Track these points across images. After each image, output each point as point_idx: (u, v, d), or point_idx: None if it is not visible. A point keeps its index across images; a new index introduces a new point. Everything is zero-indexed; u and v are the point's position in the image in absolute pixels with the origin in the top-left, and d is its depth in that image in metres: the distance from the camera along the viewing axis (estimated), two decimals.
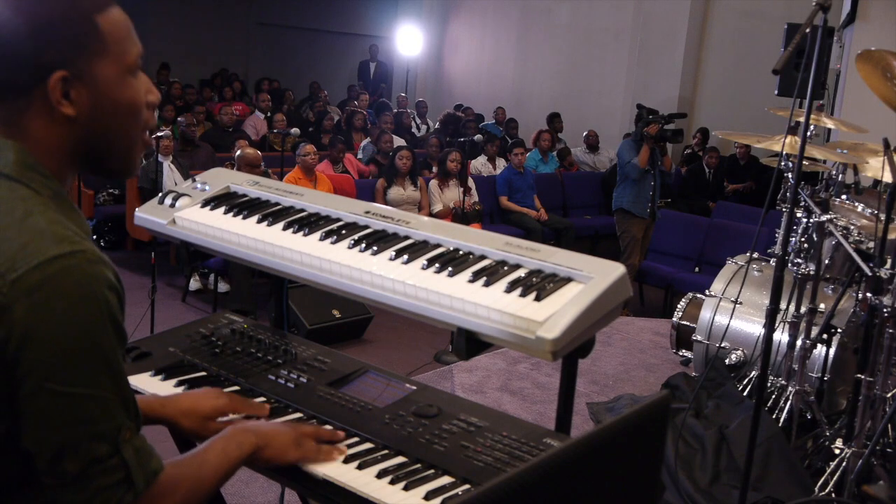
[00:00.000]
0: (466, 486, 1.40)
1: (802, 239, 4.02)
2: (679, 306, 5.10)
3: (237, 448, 1.36)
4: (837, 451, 3.47)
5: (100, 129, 1.23)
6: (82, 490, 1.12)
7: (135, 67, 1.26)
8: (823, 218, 3.75)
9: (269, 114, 10.19)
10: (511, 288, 1.46)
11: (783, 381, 4.01)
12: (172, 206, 1.89)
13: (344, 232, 1.71)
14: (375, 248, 1.63)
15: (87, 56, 1.19)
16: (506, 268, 1.53)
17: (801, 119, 2.95)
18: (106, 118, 1.23)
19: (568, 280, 1.47)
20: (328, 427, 1.56)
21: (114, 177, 1.32)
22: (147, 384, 1.71)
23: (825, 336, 3.92)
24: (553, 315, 1.38)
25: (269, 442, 1.41)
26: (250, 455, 1.38)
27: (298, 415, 1.62)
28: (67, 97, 1.19)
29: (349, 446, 1.50)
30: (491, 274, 1.50)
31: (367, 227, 1.73)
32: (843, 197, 4.12)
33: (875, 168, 3.89)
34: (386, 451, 1.49)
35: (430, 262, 1.56)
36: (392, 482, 1.39)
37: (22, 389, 1.10)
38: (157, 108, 1.31)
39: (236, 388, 1.70)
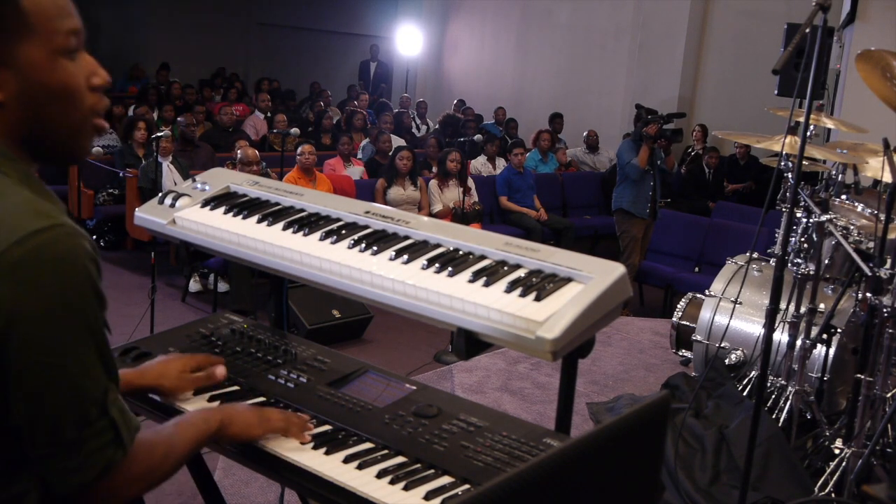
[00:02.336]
0: (466, 486, 1.40)
1: (802, 239, 4.02)
2: (679, 306, 5.10)
3: (204, 422, 1.42)
4: (837, 451, 3.47)
5: (32, 115, 1.18)
6: (77, 454, 1.15)
7: (69, 48, 1.18)
8: (823, 218, 3.75)
9: (268, 114, 10.19)
10: (511, 288, 1.46)
11: (783, 381, 4.01)
12: (172, 206, 1.89)
13: (344, 232, 1.71)
14: (375, 248, 1.63)
15: (9, 39, 1.13)
16: (506, 268, 1.53)
17: (801, 119, 2.95)
18: (37, 103, 1.18)
19: (568, 280, 1.47)
20: (327, 426, 1.56)
21: (61, 163, 1.29)
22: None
23: (825, 336, 3.92)
24: (553, 315, 1.38)
25: (234, 419, 1.47)
26: (217, 431, 1.43)
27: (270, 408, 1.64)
28: None
29: (349, 446, 1.50)
30: (491, 274, 1.50)
31: (367, 227, 1.73)
32: (843, 197, 4.12)
33: (875, 168, 3.89)
34: (386, 451, 1.49)
35: (430, 262, 1.56)
36: (392, 482, 1.39)
37: (13, 365, 1.11)
38: (106, 89, 1.26)
39: (236, 388, 1.70)
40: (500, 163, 9.05)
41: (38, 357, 1.11)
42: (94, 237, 7.59)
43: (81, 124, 1.24)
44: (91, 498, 1.19)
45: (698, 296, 5.00)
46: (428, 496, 1.36)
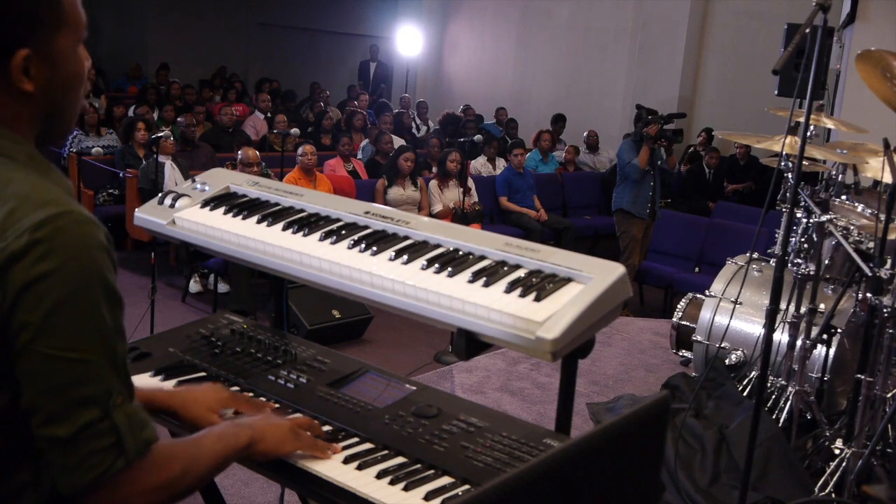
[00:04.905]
0: (466, 487, 1.40)
1: (802, 239, 4.02)
2: (679, 306, 5.10)
3: (233, 438, 1.36)
4: (837, 452, 3.47)
5: (54, 101, 1.23)
6: (73, 454, 1.12)
7: (83, 37, 1.24)
8: (823, 218, 3.75)
9: (268, 114, 10.19)
10: (511, 288, 1.46)
11: (783, 382, 4.01)
12: (172, 206, 1.90)
13: (344, 232, 1.71)
14: (375, 248, 1.63)
15: (49, 30, 1.18)
16: (506, 268, 1.53)
17: (801, 119, 2.95)
18: (60, 90, 1.22)
19: (568, 280, 1.47)
20: (327, 427, 1.56)
21: (52, 143, 1.30)
22: (147, 384, 1.70)
23: (825, 336, 3.92)
24: (553, 315, 1.38)
25: (265, 436, 1.41)
26: (246, 447, 1.37)
27: (297, 415, 1.62)
28: (27, 74, 1.18)
29: (349, 446, 1.50)
30: (491, 274, 1.50)
31: (366, 227, 1.73)
32: (843, 197, 4.12)
33: (875, 168, 3.89)
34: (386, 452, 1.49)
35: (430, 262, 1.56)
36: (392, 482, 1.39)
37: (14, 352, 1.10)
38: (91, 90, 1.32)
39: (236, 388, 1.70)
40: (500, 163, 9.05)
41: (35, 346, 1.09)
42: None
43: (80, 105, 1.29)
44: None
45: (698, 296, 5.00)
46: (428, 496, 1.36)
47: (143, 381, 1.72)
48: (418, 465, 1.45)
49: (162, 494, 1.21)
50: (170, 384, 1.70)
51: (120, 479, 1.15)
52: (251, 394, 1.69)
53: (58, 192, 1.15)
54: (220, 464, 1.33)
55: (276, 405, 1.64)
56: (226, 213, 1.85)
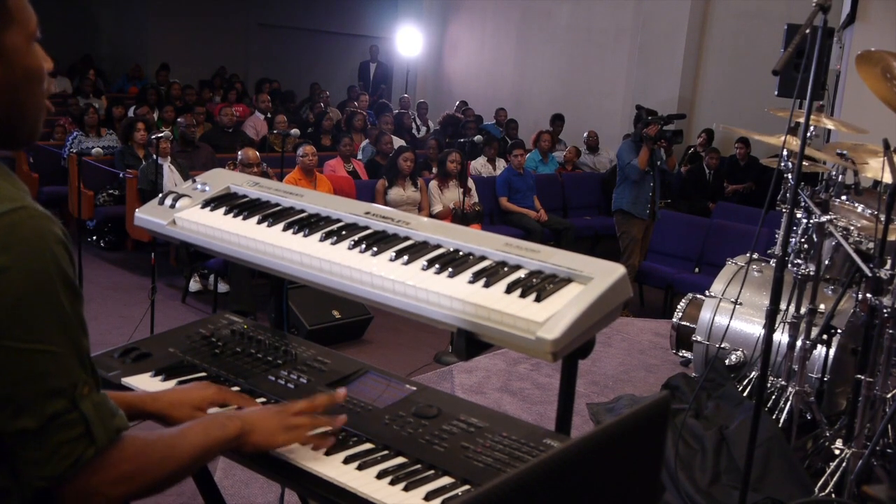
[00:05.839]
0: (466, 487, 1.40)
1: (802, 239, 4.02)
2: (679, 307, 5.10)
3: (220, 429, 1.35)
4: (837, 452, 3.47)
5: (12, 98, 1.22)
6: (42, 446, 1.12)
7: (35, 35, 1.24)
8: (823, 219, 3.75)
9: (268, 114, 10.20)
10: (511, 289, 1.46)
11: (783, 382, 4.01)
12: (172, 206, 1.90)
13: (344, 233, 1.71)
14: (375, 248, 1.63)
15: None
16: (506, 269, 1.53)
17: (801, 119, 2.95)
18: (17, 87, 1.22)
19: (568, 281, 1.47)
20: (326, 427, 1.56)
21: (19, 146, 1.30)
22: (147, 385, 1.71)
23: (825, 337, 3.92)
24: (553, 316, 1.38)
25: (255, 427, 1.40)
26: (235, 438, 1.37)
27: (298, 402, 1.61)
28: None
29: (349, 446, 1.50)
30: (491, 275, 1.50)
31: (367, 227, 1.73)
32: (843, 198, 4.12)
33: (875, 169, 3.89)
34: (386, 452, 1.49)
35: (430, 262, 1.56)
36: (392, 483, 1.39)
37: None
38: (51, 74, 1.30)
39: (236, 388, 1.70)
40: (500, 163, 9.05)
41: (1, 341, 1.09)
42: (94, 237, 7.64)
43: (43, 105, 1.28)
44: (67, 495, 1.15)
45: (698, 296, 5.00)
46: (428, 497, 1.36)
47: (143, 381, 1.72)
48: (418, 466, 1.45)
49: (136, 483, 1.21)
50: (169, 384, 1.70)
51: (91, 468, 1.16)
52: (251, 394, 1.69)
53: (12, 190, 1.15)
54: (203, 454, 1.32)
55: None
56: (226, 213, 1.85)
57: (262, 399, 1.66)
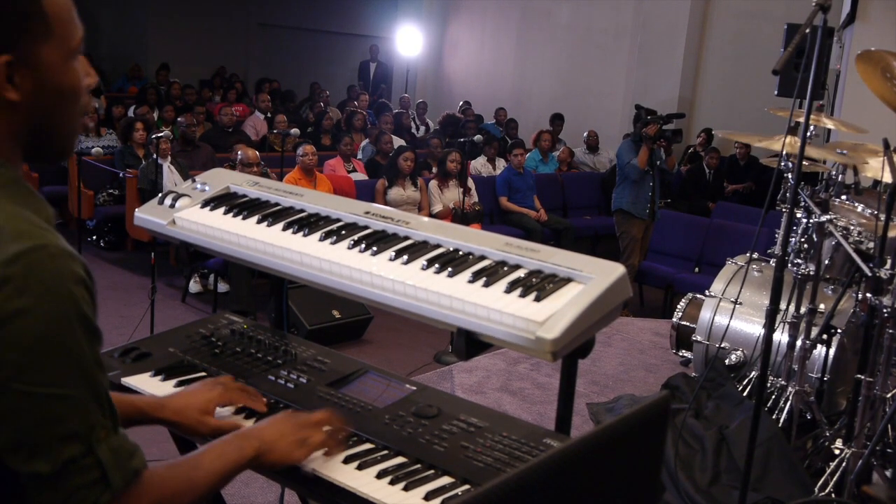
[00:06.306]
0: (466, 487, 1.40)
1: (802, 239, 4.02)
2: (679, 307, 5.10)
3: (237, 451, 1.34)
4: (837, 452, 3.47)
5: (42, 114, 1.19)
6: (57, 491, 1.10)
7: (77, 51, 1.21)
8: (823, 218, 3.75)
9: (268, 114, 10.19)
10: (511, 288, 1.46)
11: (783, 382, 4.01)
12: (172, 206, 1.89)
13: (344, 232, 1.71)
14: (375, 248, 1.63)
15: (33, 39, 1.15)
16: (506, 268, 1.53)
17: (801, 119, 2.95)
18: (49, 103, 1.19)
19: (568, 280, 1.47)
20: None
21: (50, 161, 1.28)
22: (147, 384, 1.71)
23: (825, 336, 3.92)
24: (553, 315, 1.38)
25: (273, 447, 1.38)
26: (253, 459, 1.36)
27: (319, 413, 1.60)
28: (11, 82, 1.14)
29: (349, 446, 1.50)
30: (491, 274, 1.50)
31: (366, 227, 1.73)
32: (843, 197, 4.12)
33: (875, 168, 3.89)
34: (386, 452, 1.49)
35: (430, 262, 1.56)
36: (392, 482, 1.39)
37: None
38: (92, 90, 1.27)
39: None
40: (500, 163, 9.05)
41: (12, 384, 1.06)
42: (94, 237, 7.64)
43: (78, 123, 1.26)
44: None
45: (698, 296, 5.00)
46: (428, 496, 1.36)
47: (143, 381, 1.72)
48: (418, 465, 1.45)
49: None
50: (169, 384, 1.70)
51: None
52: None
53: (34, 223, 1.12)
54: (221, 480, 1.31)
55: (277, 404, 1.64)
56: (226, 213, 1.85)
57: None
